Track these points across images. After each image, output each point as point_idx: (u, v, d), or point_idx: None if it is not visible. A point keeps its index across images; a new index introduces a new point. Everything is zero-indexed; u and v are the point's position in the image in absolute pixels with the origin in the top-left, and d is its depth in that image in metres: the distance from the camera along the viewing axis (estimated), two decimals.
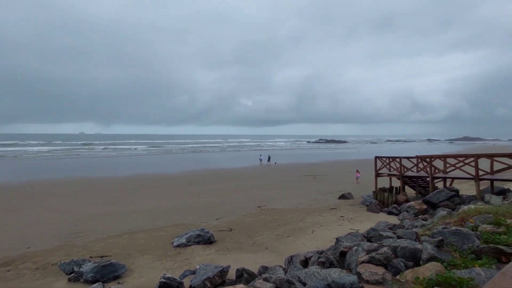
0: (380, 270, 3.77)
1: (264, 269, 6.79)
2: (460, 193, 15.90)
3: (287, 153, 74.73)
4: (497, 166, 13.88)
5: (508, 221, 5.68)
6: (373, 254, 4.69)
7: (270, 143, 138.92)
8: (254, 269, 6.94)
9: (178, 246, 10.15)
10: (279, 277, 4.61)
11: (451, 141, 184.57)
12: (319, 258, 5.80)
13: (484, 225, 5.58)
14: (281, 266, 6.74)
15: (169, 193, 21.69)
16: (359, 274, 3.80)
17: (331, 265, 5.42)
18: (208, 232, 10.75)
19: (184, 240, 10.26)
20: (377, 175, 18.00)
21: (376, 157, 18.15)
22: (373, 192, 17.28)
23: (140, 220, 14.39)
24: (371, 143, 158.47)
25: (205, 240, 10.41)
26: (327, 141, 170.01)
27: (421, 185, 17.51)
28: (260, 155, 46.88)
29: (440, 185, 17.28)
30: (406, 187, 18.78)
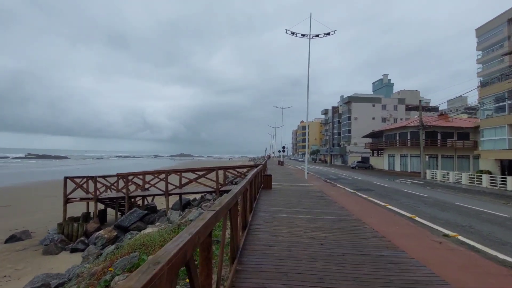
0: None
1: None
2: (159, 207, 16.19)
3: None
4: (185, 181, 15.38)
5: (150, 258, 4.48)
6: None
7: None
8: None
9: None
10: None
11: (171, 157, 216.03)
12: None
13: (118, 277, 3.97)
14: None
15: None
16: None
17: None
18: None
19: None
20: (67, 201, 14.08)
21: (66, 178, 14.20)
22: (58, 224, 13.13)
23: None
24: (97, 159, 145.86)
25: None
26: (38, 157, 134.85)
27: (123, 204, 15.97)
28: None
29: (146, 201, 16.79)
30: (110, 210, 16.53)
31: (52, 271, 10.23)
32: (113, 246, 7.64)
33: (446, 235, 7.67)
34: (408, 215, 10.01)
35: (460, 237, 7.44)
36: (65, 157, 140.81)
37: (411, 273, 3.91)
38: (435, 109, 64.97)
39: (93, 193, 14.01)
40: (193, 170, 15.30)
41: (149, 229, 7.61)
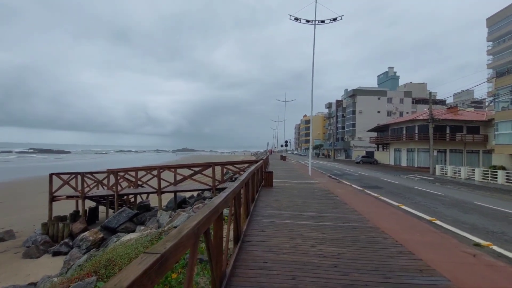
0: None
1: None
2: (154, 205, 15.19)
3: None
4: (180, 177, 14.30)
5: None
6: None
7: None
8: None
9: None
10: None
11: (174, 151, 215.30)
12: None
13: None
14: None
15: None
16: None
17: None
18: None
19: None
20: (53, 198, 13.10)
21: (51, 175, 13.20)
22: (43, 224, 12.16)
23: None
24: (100, 153, 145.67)
25: None
26: (41, 151, 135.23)
27: (115, 202, 14.97)
28: None
29: (138, 199, 15.81)
30: (103, 208, 15.57)
31: (28, 278, 9.26)
32: (85, 257, 6.59)
33: (477, 244, 6.51)
34: (428, 217, 8.84)
35: (494, 247, 6.29)
36: (68, 152, 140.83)
37: None
38: (442, 102, 63.05)
39: (80, 191, 12.99)
40: (188, 166, 14.21)
41: (129, 236, 6.55)
